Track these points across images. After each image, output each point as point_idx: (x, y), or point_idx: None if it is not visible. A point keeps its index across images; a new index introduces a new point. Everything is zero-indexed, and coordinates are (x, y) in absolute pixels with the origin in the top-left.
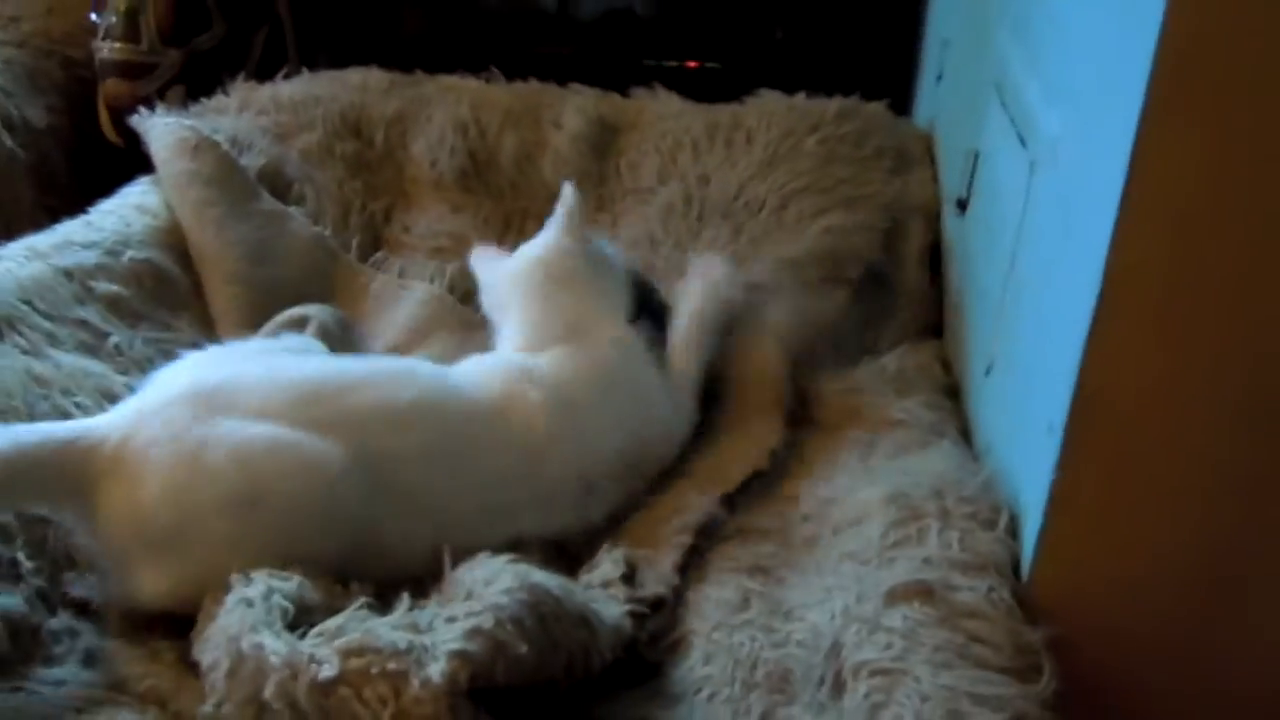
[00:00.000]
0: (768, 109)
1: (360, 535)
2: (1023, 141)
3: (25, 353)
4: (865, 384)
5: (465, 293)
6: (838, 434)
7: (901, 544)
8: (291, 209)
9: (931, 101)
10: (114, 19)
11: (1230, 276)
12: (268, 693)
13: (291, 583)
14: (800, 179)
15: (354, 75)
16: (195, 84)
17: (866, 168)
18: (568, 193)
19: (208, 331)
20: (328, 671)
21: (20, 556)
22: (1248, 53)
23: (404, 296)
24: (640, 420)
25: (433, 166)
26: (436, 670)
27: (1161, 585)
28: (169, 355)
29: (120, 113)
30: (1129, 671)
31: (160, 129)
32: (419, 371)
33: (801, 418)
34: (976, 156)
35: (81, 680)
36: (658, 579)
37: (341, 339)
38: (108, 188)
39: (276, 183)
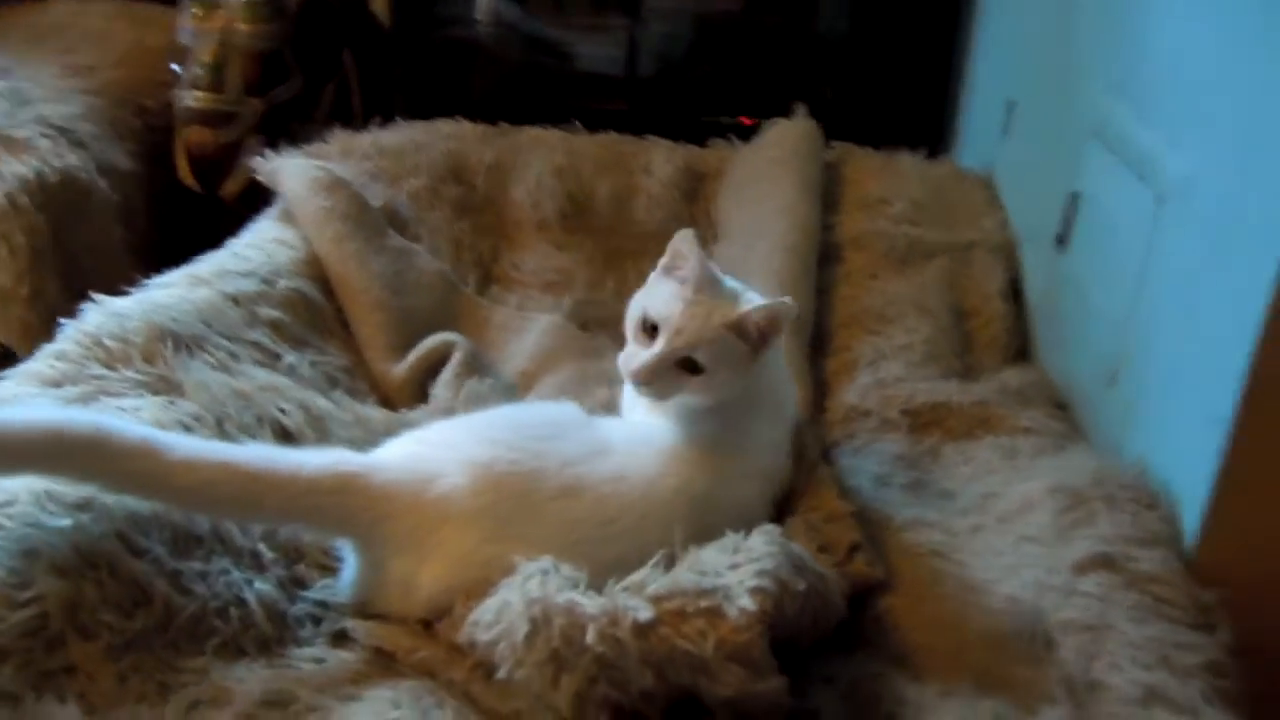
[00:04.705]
0: (851, 160)
1: None
2: (1142, 179)
3: (216, 369)
4: (990, 397)
5: (582, 323)
6: (973, 440)
7: (1076, 525)
8: (415, 245)
9: (984, 152)
10: (199, 70)
11: None
12: (589, 638)
13: (554, 561)
14: (898, 224)
15: (445, 126)
16: (270, 133)
17: (951, 212)
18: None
19: (355, 356)
20: (645, 614)
21: (261, 548)
22: None
23: (528, 326)
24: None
25: (535, 209)
26: (747, 600)
27: None
28: (333, 379)
29: (201, 159)
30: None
31: (292, 169)
32: (649, 487)
33: (931, 425)
34: (1076, 197)
35: (340, 658)
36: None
37: (480, 367)
38: (182, 228)
39: (393, 223)
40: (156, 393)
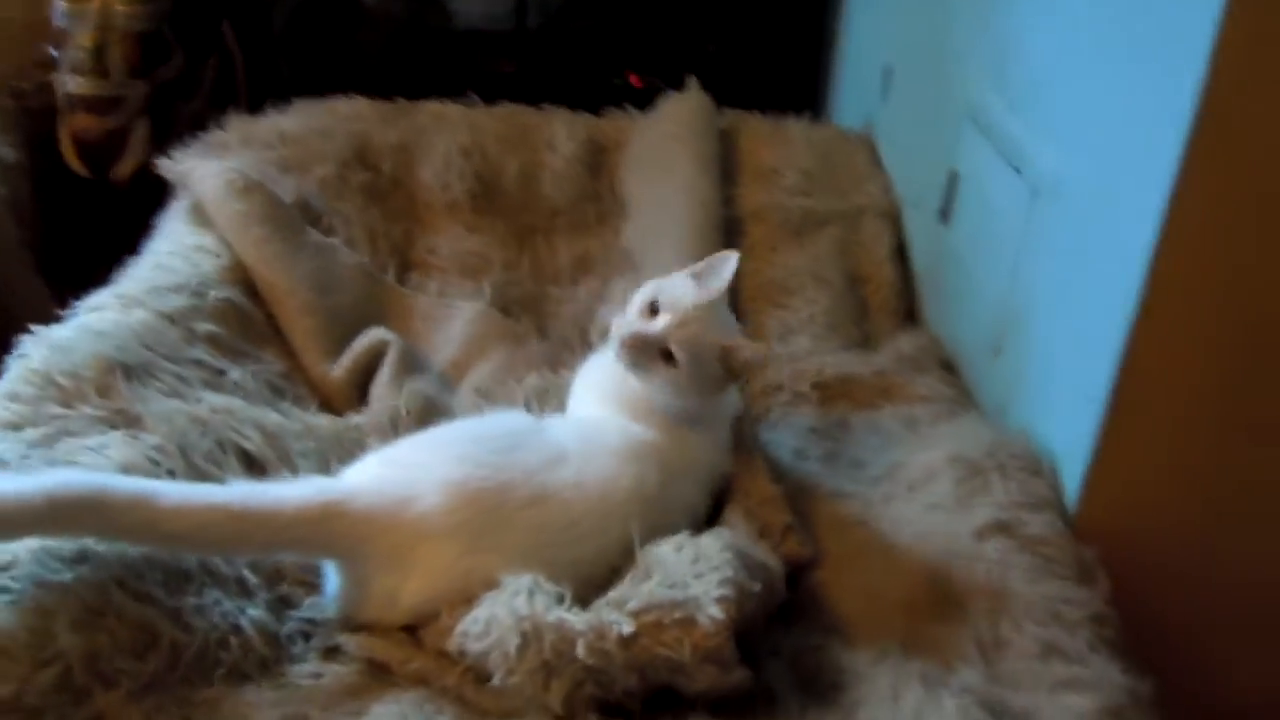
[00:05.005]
0: (744, 128)
1: None
2: (1017, 170)
3: (168, 395)
4: (888, 366)
5: (504, 307)
6: (877, 410)
7: (974, 494)
8: (333, 240)
9: (863, 110)
10: (80, 55)
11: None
12: (579, 651)
13: (536, 578)
14: (792, 196)
15: (343, 106)
16: (156, 114)
17: (839, 179)
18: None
19: (291, 359)
20: (626, 628)
21: (246, 574)
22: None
23: (453, 315)
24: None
25: (444, 190)
26: (715, 610)
27: (1179, 512)
28: (275, 388)
29: (88, 144)
30: (1152, 575)
31: (203, 173)
32: (606, 489)
33: (839, 397)
34: (956, 176)
35: (335, 671)
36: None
37: (414, 363)
38: (70, 220)
39: (306, 216)
40: (116, 428)
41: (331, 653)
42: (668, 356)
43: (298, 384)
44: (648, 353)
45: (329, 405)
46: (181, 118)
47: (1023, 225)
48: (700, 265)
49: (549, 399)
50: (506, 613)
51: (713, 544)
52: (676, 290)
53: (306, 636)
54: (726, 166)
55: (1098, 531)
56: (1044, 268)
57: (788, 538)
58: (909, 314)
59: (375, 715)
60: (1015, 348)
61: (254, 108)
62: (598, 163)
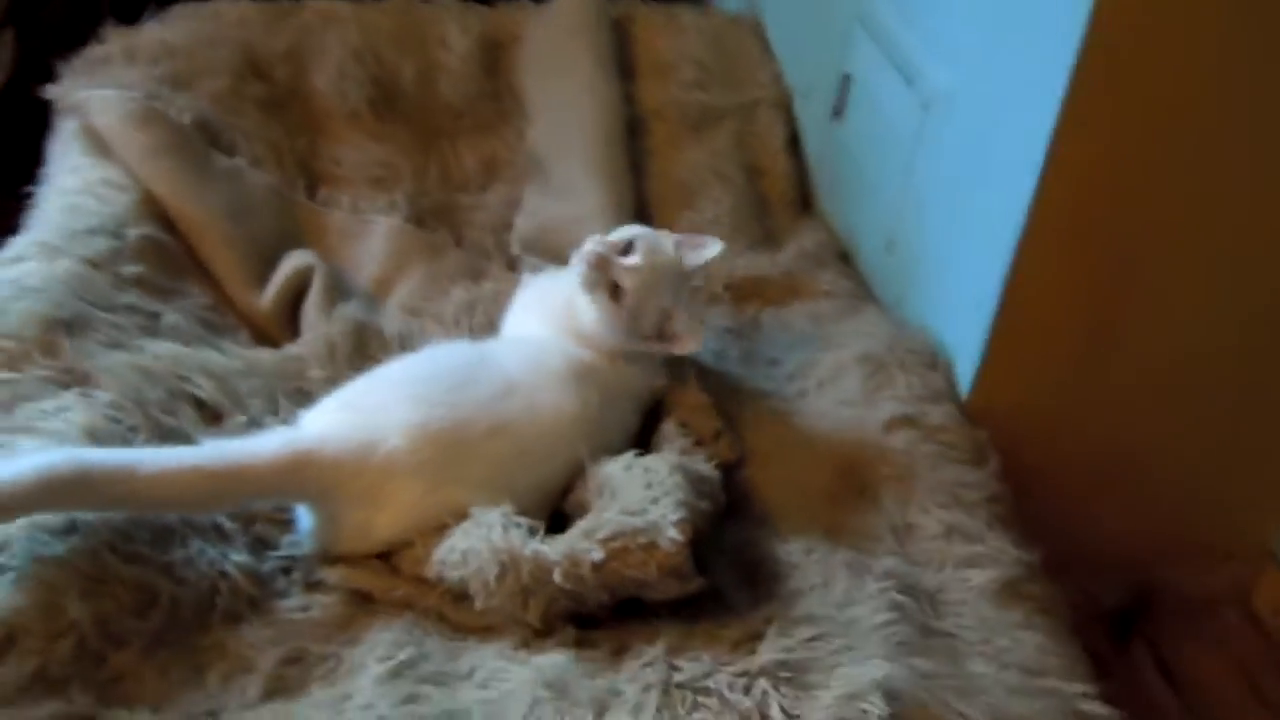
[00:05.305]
0: (637, 18)
1: None
2: (909, 81)
3: (109, 347)
4: (792, 263)
5: (419, 219)
6: (786, 307)
7: (879, 389)
8: (238, 161)
9: None
10: None
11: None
12: (556, 578)
13: (505, 510)
14: (689, 91)
15: (225, 9)
16: (20, 23)
17: (733, 69)
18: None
19: (215, 290)
20: (597, 555)
21: (222, 521)
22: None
23: (370, 230)
24: None
25: (342, 99)
26: (674, 532)
27: (1050, 395)
28: (207, 322)
29: None
30: (1031, 450)
31: (101, 103)
32: (555, 415)
33: (751, 296)
34: (848, 78)
35: (321, 603)
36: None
37: (341, 286)
38: None
39: (205, 136)
40: (68, 387)
41: (314, 585)
42: (616, 292)
43: (227, 315)
44: (602, 277)
45: (263, 333)
46: (45, 23)
47: (915, 134)
48: (686, 236)
49: (476, 311)
50: (484, 545)
51: (660, 466)
52: (657, 244)
53: (287, 571)
54: (622, 60)
55: (987, 417)
56: (936, 175)
57: (719, 443)
58: (804, 202)
59: (369, 643)
60: (908, 245)
61: (115, 10)
62: (493, 60)
